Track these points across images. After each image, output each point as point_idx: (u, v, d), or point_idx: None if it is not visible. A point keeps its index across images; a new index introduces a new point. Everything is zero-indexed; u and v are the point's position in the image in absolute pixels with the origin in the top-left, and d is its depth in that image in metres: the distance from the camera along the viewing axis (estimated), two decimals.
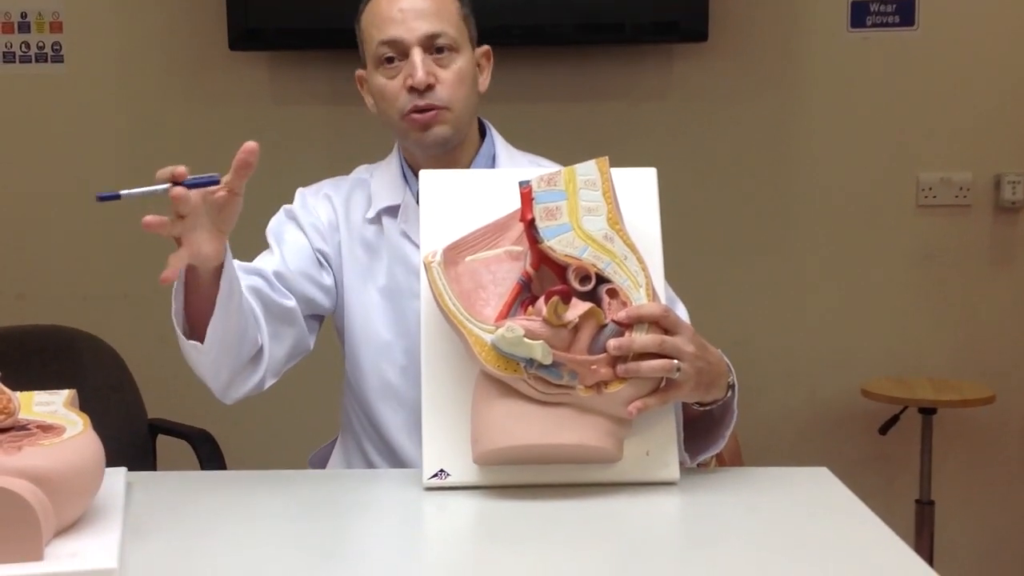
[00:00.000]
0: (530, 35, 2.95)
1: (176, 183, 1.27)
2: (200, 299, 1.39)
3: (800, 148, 3.07)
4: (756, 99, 3.05)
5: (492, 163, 1.67)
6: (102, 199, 1.25)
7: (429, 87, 1.56)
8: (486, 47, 1.67)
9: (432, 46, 1.58)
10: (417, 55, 1.56)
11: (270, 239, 1.65)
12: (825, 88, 3.05)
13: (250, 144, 1.29)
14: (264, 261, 1.61)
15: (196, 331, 1.41)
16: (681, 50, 3.02)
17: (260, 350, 1.51)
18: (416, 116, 1.57)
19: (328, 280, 1.65)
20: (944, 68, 3.02)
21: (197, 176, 1.29)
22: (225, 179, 1.30)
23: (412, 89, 1.56)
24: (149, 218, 1.25)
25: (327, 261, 1.66)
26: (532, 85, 3.03)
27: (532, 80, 3.03)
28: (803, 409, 3.12)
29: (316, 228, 1.66)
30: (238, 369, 1.49)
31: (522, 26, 2.92)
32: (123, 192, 1.26)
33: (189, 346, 1.41)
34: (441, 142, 1.59)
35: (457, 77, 1.59)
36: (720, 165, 3.07)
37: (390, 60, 1.59)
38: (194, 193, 1.28)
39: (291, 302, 1.58)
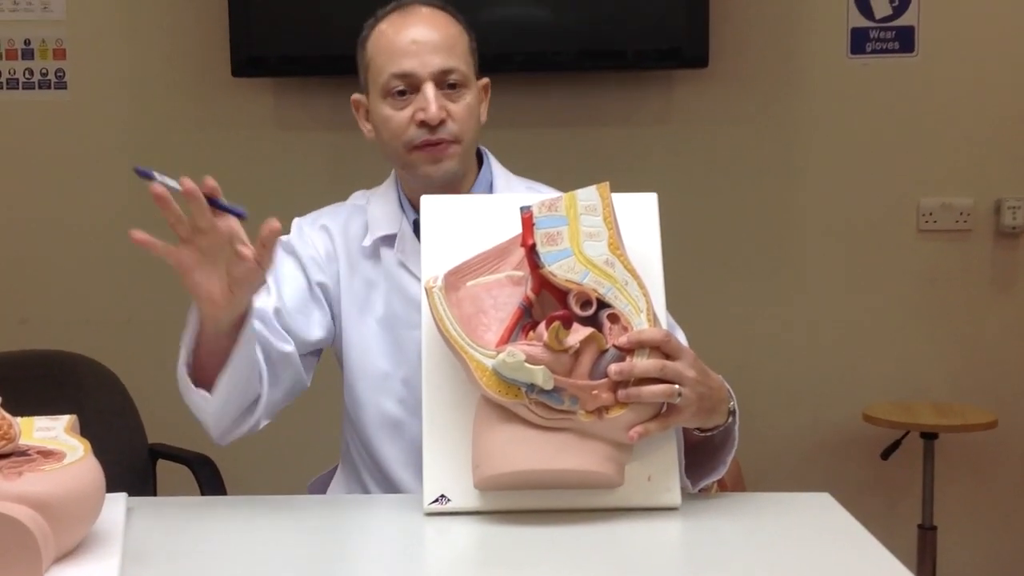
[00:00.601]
0: (532, 62, 2.96)
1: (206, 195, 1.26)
2: (207, 349, 1.39)
3: (801, 173, 3.08)
4: (756, 125, 3.06)
5: (490, 189, 1.66)
6: (139, 173, 1.25)
7: (441, 122, 1.55)
8: (486, 80, 1.66)
9: (445, 82, 1.56)
10: (430, 90, 1.55)
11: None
12: (825, 114, 3.05)
13: (274, 223, 1.28)
14: (262, 300, 1.58)
15: (200, 377, 1.41)
16: (681, 76, 3.03)
17: (258, 397, 1.50)
18: (427, 148, 1.56)
19: (326, 315, 1.64)
20: (944, 94, 3.03)
21: (230, 202, 1.28)
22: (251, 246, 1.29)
23: (423, 124, 1.55)
24: (139, 235, 1.25)
25: (325, 293, 1.64)
26: (534, 111, 3.04)
27: (534, 106, 3.04)
28: (805, 434, 3.11)
29: (314, 260, 1.65)
30: (236, 416, 1.48)
31: (524, 53, 2.94)
32: (157, 175, 1.25)
33: (196, 395, 1.41)
34: (450, 177, 1.59)
35: (467, 112, 1.58)
36: (721, 190, 3.07)
37: (402, 93, 1.57)
38: (221, 221, 1.27)
39: (289, 347, 1.56)
